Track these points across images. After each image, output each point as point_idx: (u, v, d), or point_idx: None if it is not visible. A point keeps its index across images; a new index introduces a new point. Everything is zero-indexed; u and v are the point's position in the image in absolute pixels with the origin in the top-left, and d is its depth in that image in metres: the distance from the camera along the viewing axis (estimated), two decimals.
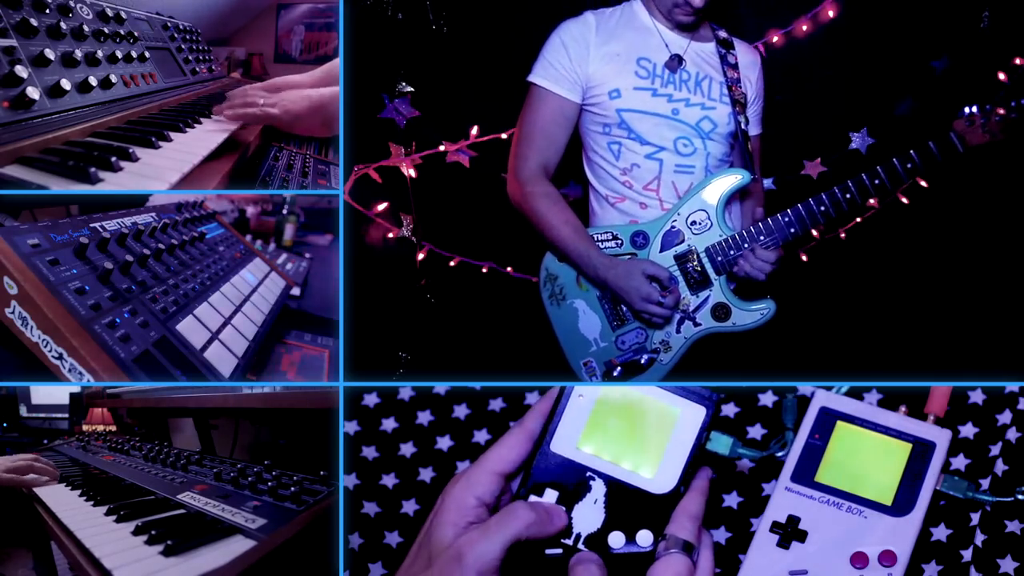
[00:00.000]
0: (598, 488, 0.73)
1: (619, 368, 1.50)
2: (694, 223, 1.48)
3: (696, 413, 0.76)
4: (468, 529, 0.69)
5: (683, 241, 1.49)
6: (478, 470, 0.73)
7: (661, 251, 1.50)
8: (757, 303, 1.49)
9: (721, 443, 0.85)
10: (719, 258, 1.48)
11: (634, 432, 0.76)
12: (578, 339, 1.54)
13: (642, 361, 1.49)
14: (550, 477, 0.73)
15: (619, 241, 1.51)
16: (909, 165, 1.44)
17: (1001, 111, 1.42)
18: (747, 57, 1.59)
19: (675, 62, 1.49)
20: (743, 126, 1.53)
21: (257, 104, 1.58)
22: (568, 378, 1.55)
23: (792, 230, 1.47)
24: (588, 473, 0.73)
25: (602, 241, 1.51)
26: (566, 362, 1.56)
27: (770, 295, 1.51)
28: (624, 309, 1.51)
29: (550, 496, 0.72)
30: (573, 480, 0.73)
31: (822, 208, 1.46)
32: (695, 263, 1.48)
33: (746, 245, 1.46)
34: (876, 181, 1.45)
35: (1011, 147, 1.44)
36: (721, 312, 1.48)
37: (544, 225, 1.51)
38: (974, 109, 1.44)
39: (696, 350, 1.51)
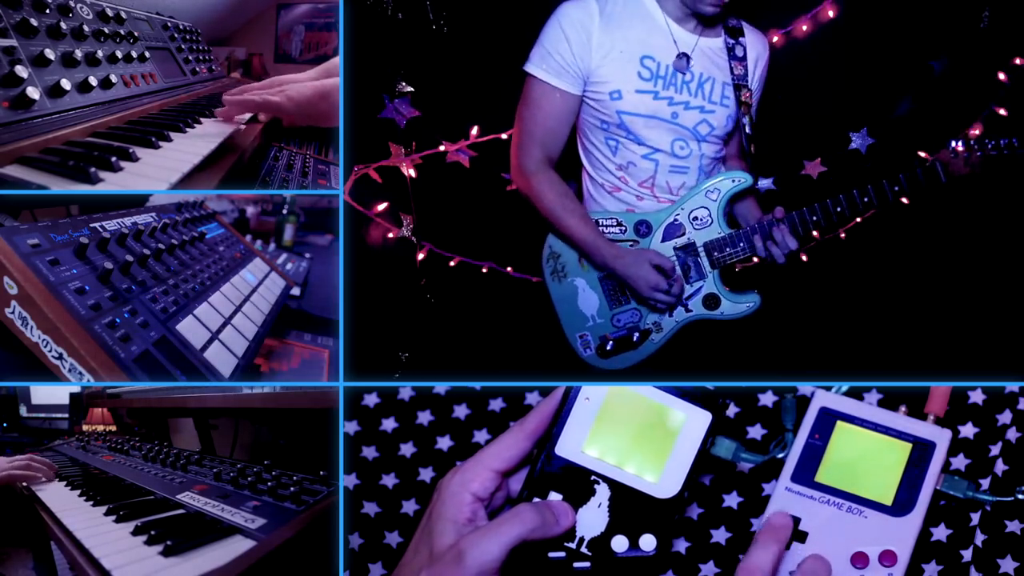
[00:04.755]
0: (602, 492, 0.73)
1: (611, 343, 1.58)
2: (696, 218, 1.54)
3: (702, 418, 0.76)
4: (468, 526, 0.69)
5: (684, 234, 1.55)
6: (475, 466, 0.73)
7: (663, 241, 1.56)
8: (745, 296, 1.57)
9: (723, 448, 0.85)
10: (715, 253, 1.55)
11: (639, 436, 0.75)
12: (576, 314, 1.61)
13: (634, 338, 1.57)
14: (554, 479, 0.73)
15: (623, 228, 1.56)
16: (896, 188, 1.50)
17: (989, 144, 1.48)
18: (756, 48, 1.55)
19: (683, 62, 1.46)
20: (747, 129, 1.53)
21: (256, 93, 1.59)
22: (563, 352, 1.62)
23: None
24: (592, 476, 0.73)
25: (606, 227, 1.56)
26: (562, 333, 1.63)
27: (766, 292, 1.58)
28: (625, 292, 1.58)
29: (554, 499, 0.72)
30: (577, 483, 0.73)
31: (815, 218, 1.51)
32: (694, 255, 1.56)
33: (741, 243, 1.54)
34: (866, 199, 1.50)
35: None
36: (711, 302, 1.56)
37: (553, 216, 1.53)
38: (959, 146, 1.49)
39: (690, 338, 1.58)
